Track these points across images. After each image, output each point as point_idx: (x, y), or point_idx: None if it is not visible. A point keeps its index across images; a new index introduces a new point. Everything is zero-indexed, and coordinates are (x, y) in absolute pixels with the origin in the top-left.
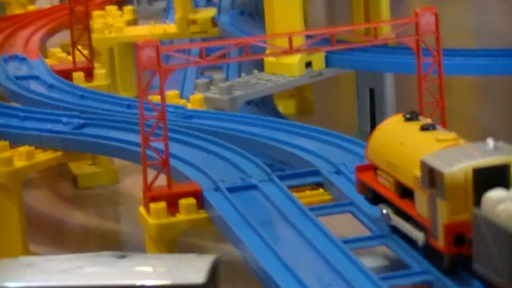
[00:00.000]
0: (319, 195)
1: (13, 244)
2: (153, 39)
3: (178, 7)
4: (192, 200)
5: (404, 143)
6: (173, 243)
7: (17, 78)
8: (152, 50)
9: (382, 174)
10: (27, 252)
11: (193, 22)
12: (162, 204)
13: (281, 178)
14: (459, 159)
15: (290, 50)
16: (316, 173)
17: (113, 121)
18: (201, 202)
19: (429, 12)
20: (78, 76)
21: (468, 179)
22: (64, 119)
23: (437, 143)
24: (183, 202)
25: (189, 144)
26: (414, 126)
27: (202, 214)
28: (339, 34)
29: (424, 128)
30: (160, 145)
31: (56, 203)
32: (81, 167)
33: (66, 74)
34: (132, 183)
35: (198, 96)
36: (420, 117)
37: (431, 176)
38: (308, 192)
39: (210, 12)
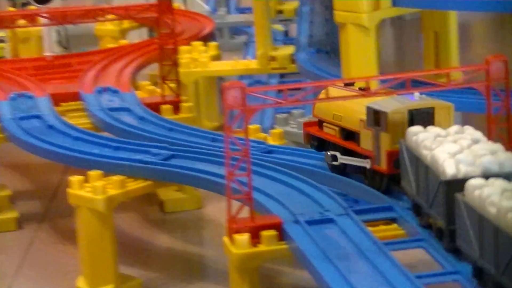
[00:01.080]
0: (392, 230)
1: (105, 267)
2: (238, 81)
3: (259, 44)
4: (273, 232)
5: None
6: (255, 271)
7: (110, 109)
8: (238, 91)
9: (328, 125)
10: (117, 274)
11: (273, 58)
12: (245, 236)
13: (356, 212)
14: (397, 104)
15: (368, 93)
16: (390, 208)
17: (199, 153)
18: (282, 234)
19: (499, 60)
20: (166, 109)
21: (404, 117)
22: (154, 150)
23: (374, 96)
24: (264, 234)
25: (270, 177)
26: (353, 88)
27: (282, 246)
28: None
29: (361, 89)
30: (243, 178)
31: (144, 226)
32: (168, 193)
33: (155, 107)
34: (215, 209)
35: (278, 130)
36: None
37: (376, 117)
38: (382, 227)
39: (289, 49)
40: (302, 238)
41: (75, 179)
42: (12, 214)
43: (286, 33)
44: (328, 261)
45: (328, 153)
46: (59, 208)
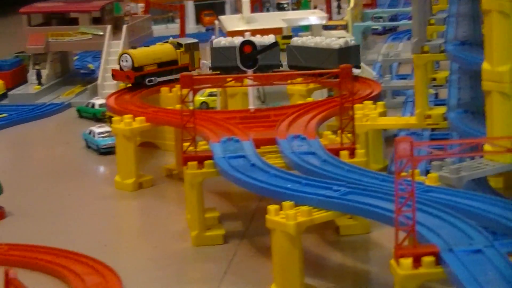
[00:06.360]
0: None
1: (293, 277)
2: (408, 137)
3: (418, 104)
4: (431, 258)
5: None
6: None
7: (300, 153)
8: (407, 144)
9: None
10: (303, 284)
11: (428, 116)
12: (409, 260)
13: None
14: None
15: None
16: None
17: (371, 190)
18: (438, 260)
19: None
20: (344, 154)
21: None
22: (334, 187)
23: None
24: (424, 259)
25: (428, 213)
26: None
27: (439, 269)
28: None
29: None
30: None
31: (323, 246)
32: (342, 219)
33: (335, 152)
34: (380, 234)
35: (434, 174)
36: None
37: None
38: None
39: (442, 109)
40: (456, 264)
41: (272, 207)
42: (219, 231)
43: (436, 95)
44: (478, 285)
45: None
46: (256, 228)
